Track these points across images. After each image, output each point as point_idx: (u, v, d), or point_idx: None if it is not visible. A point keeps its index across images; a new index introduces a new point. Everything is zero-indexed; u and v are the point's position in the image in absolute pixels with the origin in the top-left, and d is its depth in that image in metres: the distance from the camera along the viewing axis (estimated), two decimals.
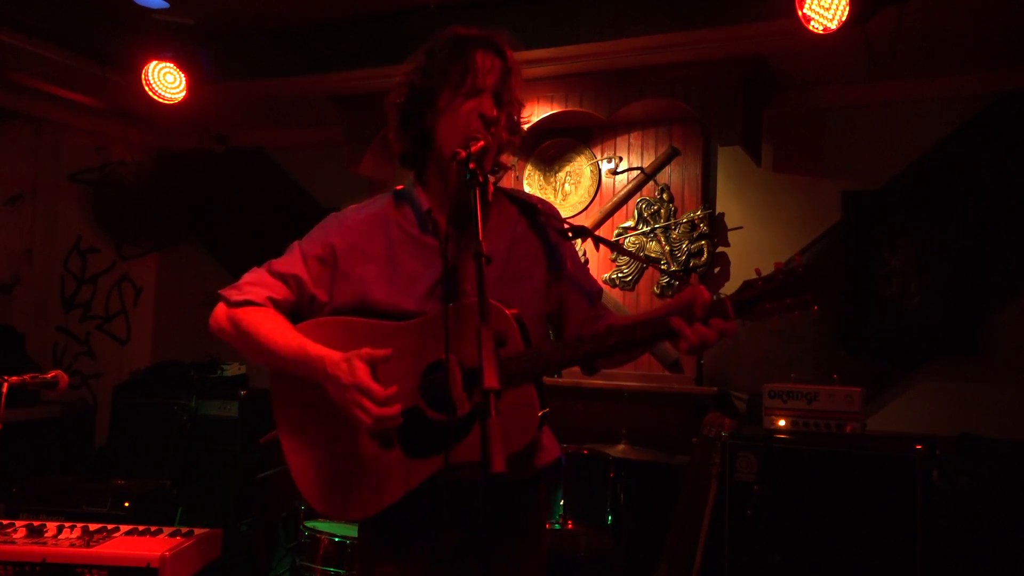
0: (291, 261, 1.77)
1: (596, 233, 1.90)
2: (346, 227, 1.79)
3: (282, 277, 1.76)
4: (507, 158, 1.82)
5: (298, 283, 1.76)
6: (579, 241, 4.46)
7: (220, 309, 1.76)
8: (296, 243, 1.81)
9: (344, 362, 1.60)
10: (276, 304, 1.75)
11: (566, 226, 1.86)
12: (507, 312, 1.60)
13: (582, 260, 4.65)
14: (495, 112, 1.67)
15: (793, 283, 1.55)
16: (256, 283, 1.75)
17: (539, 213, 1.83)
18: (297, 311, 1.79)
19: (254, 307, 1.73)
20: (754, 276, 1.58)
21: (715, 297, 1.57)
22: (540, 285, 1.80)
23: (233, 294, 1.74)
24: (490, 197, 1.78)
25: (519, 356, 1.58)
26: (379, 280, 1.72)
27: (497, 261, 1.71)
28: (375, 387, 1.57)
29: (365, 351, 1.61)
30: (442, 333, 1.58)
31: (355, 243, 1.76)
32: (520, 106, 1.78)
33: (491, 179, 1.80)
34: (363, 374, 1.58)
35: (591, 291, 1.86)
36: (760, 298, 1.56)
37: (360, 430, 1.67)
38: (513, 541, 1.74)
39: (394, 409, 1.58)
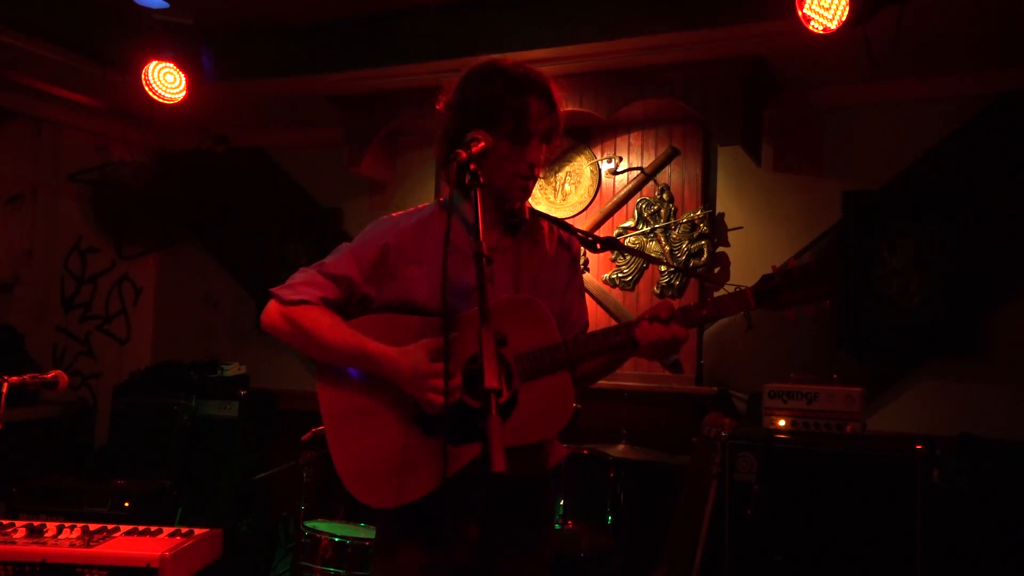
0: (343, 262, 1.85)
1: (605, 236, 2.10)
2: (399, 229, 1.88)
3: (334, 279, 1.84)
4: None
5: (349, 284, 1.84)
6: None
7: (273, 307, 1.84)
8: (346, 244, 1.90)
9: (402, 355, 1.73)
10: (327, 303, 1.84)
11: (591, 238, 2.05)
12: (545, 307, 1.80)
13: (581, 259, 4.66)
14: (542, 159, 1.85)
15: (807, 277, 1.77)
16: (308, 283, 1.84)
17: (566, 230, 2.01)
18: (344, 308, 1.88)
19: (309, 306, 1.81)
20: (770, 271, 1.79)
21: (737, 288, 1.79)
22: (553, 305, 1.92)
23: (286, 293, 1.82)
24: (527, 215, 1.97)
25: (556, 346, 1.76)
26: (424, 282, 1.82)
27: (543, 277, 1.92)
28: (438, 367, 1.67)
29: (426, 340, 1.74)
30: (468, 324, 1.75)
31: (405, 245, 1.85)
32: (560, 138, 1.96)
33: (527, 202, 1.99)
34: (425, 361, 1.71)
35: (584, 315, 2.05)
36: (777, 290, 1.78)
37: (405, 420, 1.78)
38: (532, 535, 1.88)
39: (458, 380, 1.71)
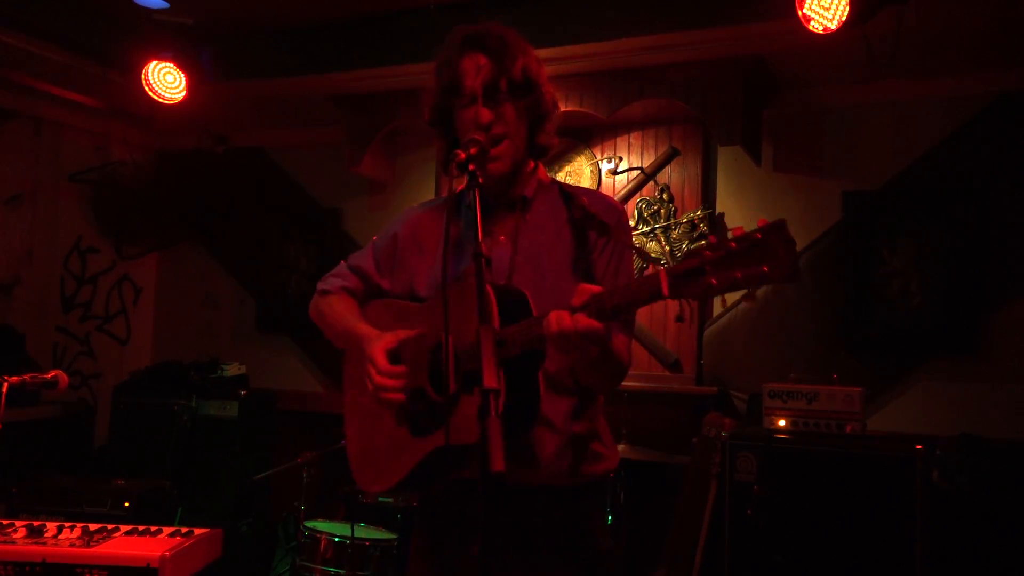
0: (363, 254, 1.95)
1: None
2: (411, 219, 1.91)
3: (354, 270, 1.95)
4: (547, 138, 1.77)
5: (366, 274, 1.93)
6: None
7: (313, 299, 1.99)
8: (374, 237, 1.98)
9: (376, 339, 1.71)
10: (349, 292, 1.93)
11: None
12: (491, 292, 1.52)
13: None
14: (489, 116, 1.66)
15: (747, 250, 1.27)
16: (336, 275, 1.97)
17: (578, 209, 1.75)
18: (368, 299, 1.94)
19: (329, 295, 1.94)
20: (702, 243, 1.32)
21: (654, 268, 1.39)
22: (566, 288, 1.66)
23: (320, 284, 1.97)
24: (528, 192, 1.78)
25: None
26: (425, 271, 1.81)
27: (528, 258, 1.72)
28: (380, 359, 1.67)
29: (400, 331, 1.71)
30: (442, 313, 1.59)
31: (414, 234, 1.87)
32: (534, 85, 1.71)
33: (539, 166, 1.83)
34: (378, 349, 1.68)
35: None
36: (701, 270, 1.29)
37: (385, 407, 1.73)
38: (553, 558, 1.68)
39: (391, 381, 1.65)
